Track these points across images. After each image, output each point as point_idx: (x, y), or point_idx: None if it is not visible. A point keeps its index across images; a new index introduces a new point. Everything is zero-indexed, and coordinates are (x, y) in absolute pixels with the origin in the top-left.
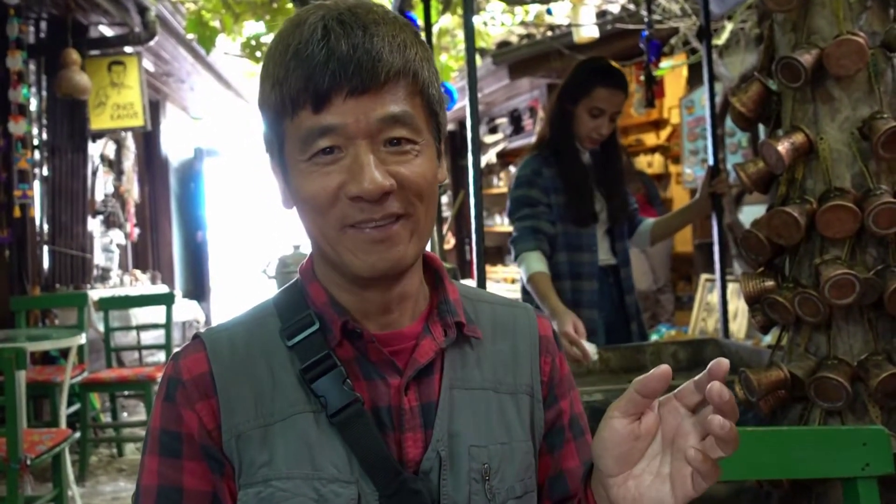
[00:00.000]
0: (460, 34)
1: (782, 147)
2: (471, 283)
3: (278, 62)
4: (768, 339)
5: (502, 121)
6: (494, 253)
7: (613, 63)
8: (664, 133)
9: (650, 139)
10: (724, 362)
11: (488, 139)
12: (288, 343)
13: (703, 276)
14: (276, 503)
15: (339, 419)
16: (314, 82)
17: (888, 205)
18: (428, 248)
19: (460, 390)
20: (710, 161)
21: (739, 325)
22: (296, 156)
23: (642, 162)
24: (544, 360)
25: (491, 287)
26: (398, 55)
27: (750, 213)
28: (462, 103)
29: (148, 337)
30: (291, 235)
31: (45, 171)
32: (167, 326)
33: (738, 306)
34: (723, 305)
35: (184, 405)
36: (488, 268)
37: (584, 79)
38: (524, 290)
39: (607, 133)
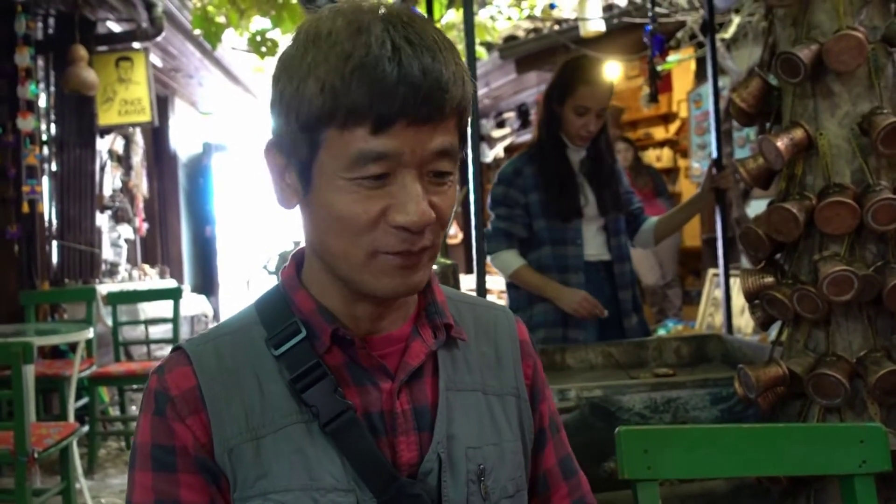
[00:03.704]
0: None
1: (781, 143)
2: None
3: (333, 68)
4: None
5: (510, 115)
6: None
7: (597, 58)
8: (673, 127)
9: (659, 133)
10: None
11: (496, 133)
12: (275, 352)
13: (711, 271)
14: None
15: (331, 428)
16: (382, 104)
17: (888, 201)
18: None
19: (453, 392)
20: (714, 155)
21: (747, 320)
22: (335, 170)
23: (651, 156)
24: (526, 364)
25: (498, 281)
26: (460, 87)
27: (758, 208)
28: None
29: (156, 331)
30: (292, 231)
31: (54, 167)
32: (175, 321)
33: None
34: (726, 300)
35: (175, 419)
36: None
37: (566, 79)
38: (509, 287)
39: (596, 129)
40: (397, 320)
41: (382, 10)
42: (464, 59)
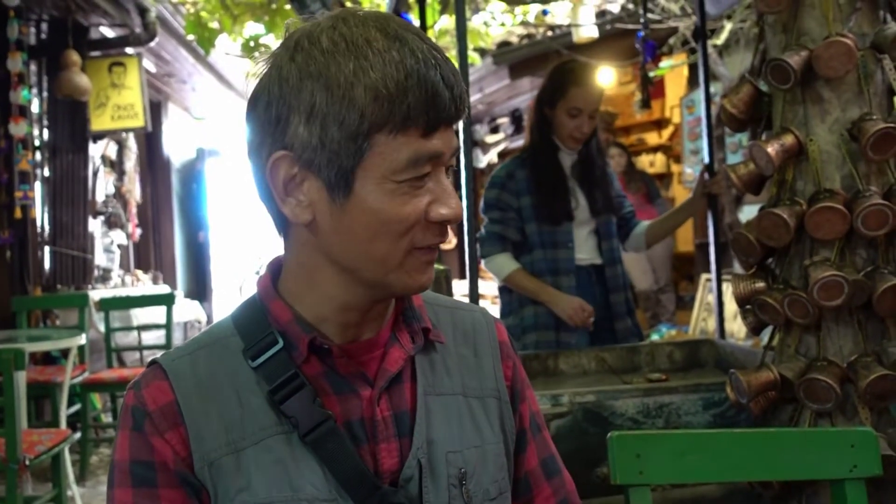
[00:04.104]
0: None
1: (772, 149)
2: (465, 283)
3: (386, 75)
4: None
5: (503, 120)
6: None
7: (586, 62)
8: (666, 132)
9: (652, 138)
10: None
11: (489, 139)
12: (252, 364)
13: (704, 276)
14: None
15: (311, 438)
16: (434, 108)
17: (877, 206)
18: None
19: (433, 396)
20: (706, 160)
21: (740, 325)
22: (385, 173)
23: (644, 161)
24: (506, 365)
25: (491, 286)
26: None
27: (751, 213)
28: None
29: (149, 337)
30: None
31: (47, 172)
32: (168, 327)
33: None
34: (719, 306)
35: (153, 434)
36: None
37: (558, 82)
38: (501, 291)
39: (589, 130)
40: (375, 327)
41: (393, 20)
42: (456, 64)
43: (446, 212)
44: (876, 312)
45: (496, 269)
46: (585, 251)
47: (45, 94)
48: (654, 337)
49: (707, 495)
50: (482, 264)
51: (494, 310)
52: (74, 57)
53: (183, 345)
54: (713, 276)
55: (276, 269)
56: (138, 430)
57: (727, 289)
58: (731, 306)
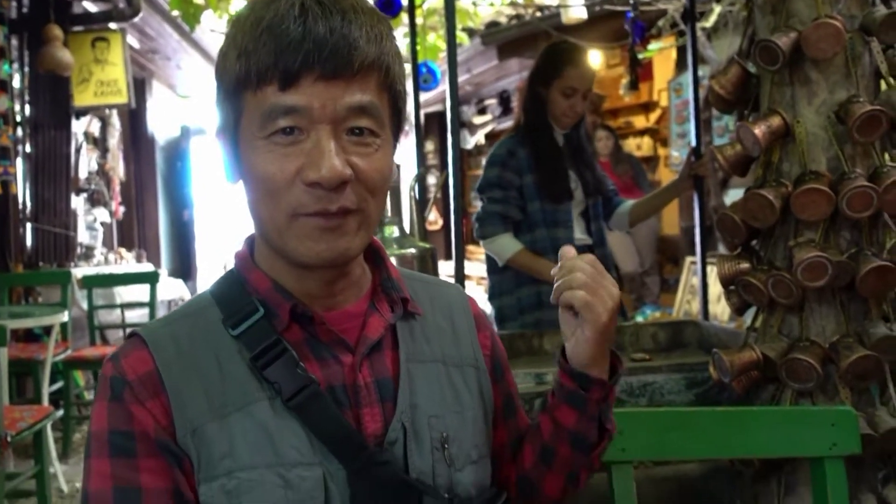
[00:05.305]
0: None
1: (759, 130)
2: (451, 264)
3: (247, 33)
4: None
5: (491, 102)
6: None
7: (580, 43)
8: (653, 115)
9: (639, 121)
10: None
11: (477, 120)
12: (232, 332)
13: (689, 259)
14: (243, 493)
15: (295, 403)
16: (285, 59)
17: (862, 188)
18: (407, 229)
19: (414, 363)
20: (693, 143)
21: (723, 307)
22: (254, 132)
23: (631, 144)
24: (483, 335)
25: (477, 268)
26: (374, 46)
27: (736, 196)
28: (445, 85)
29: (132, 315)
30: None
31: (28, 148)
32: (151, 305)
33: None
34: (703, 287)
35: (133, 403)
36: (475, 248)
37: (553, 61)
38: (491, 271)
39: (582, 111)
40: (352, 296)
41: None
42: (444, 44)
43: (314, 175)
44: (859, 293)
45: (499, 249)
46: (577, 232)
47: (26, 68)
48: (639, 318)
49: (689, 473)
50: (482, 245)
51: (479, 291)
52: (56, 31)
53: (162, 317)
54: (698, 258)
55: (252, 241)
56: (117, 399)
57: (711, 271)
58: (715, 288)
